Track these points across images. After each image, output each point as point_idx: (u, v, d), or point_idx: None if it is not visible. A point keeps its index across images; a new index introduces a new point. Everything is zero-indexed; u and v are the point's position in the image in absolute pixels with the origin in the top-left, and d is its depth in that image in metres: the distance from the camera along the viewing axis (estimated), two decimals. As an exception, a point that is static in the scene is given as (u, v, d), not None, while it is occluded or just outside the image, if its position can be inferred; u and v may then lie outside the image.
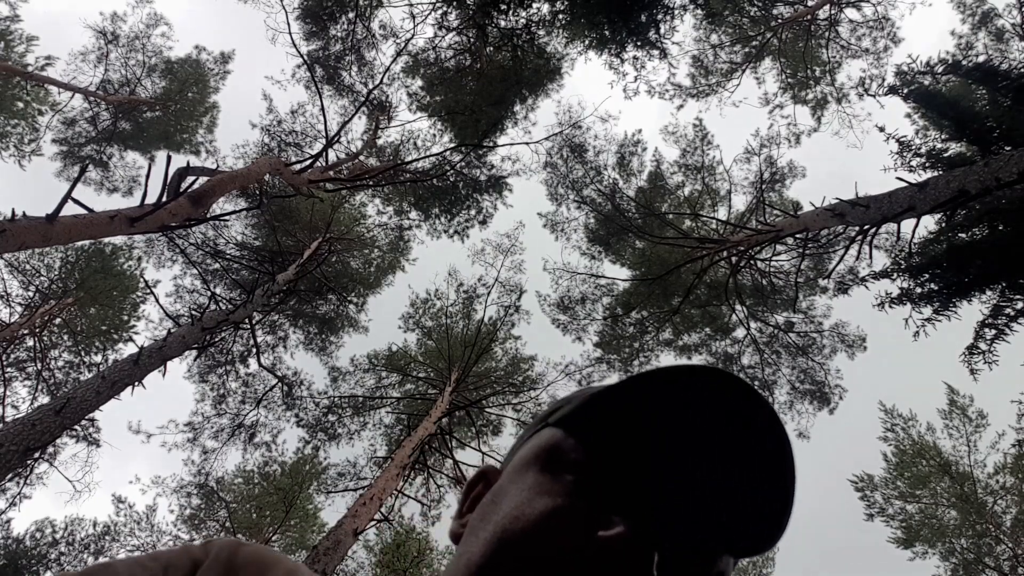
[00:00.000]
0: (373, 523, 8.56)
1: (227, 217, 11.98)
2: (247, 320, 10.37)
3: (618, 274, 15.83)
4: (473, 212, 12.59)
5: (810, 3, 12.51)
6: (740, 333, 12.31)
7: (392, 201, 13.37)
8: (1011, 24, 10.94)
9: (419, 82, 11.83)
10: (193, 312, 10.18)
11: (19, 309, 11.81)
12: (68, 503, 12.59)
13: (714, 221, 11.91)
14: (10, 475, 8.10)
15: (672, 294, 11.95)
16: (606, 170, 12.39)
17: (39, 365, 11.74)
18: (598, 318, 12.97)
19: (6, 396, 11.06)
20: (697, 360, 12.37)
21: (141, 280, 12.99)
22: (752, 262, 10.90)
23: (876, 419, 12.95)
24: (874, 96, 9.83)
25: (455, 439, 11.87)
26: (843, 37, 12.42)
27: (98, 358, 12.65)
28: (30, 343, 11.90)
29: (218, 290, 12.17)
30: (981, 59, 6.32)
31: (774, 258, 11.55)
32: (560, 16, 9.99)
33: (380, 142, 12.73)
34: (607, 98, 28.40)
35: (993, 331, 6.25)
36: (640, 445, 0.45)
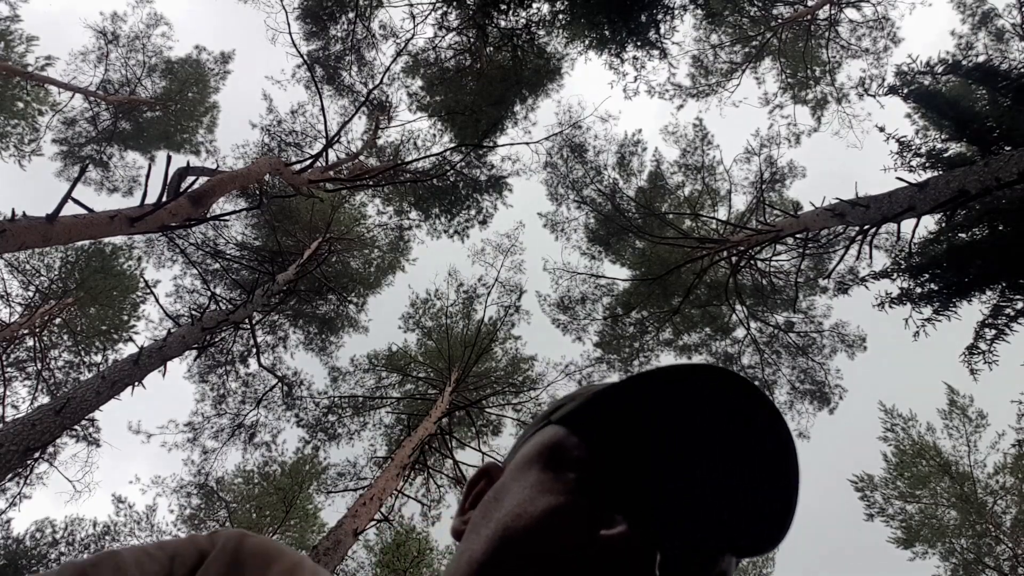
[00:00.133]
0: (373, 523, 8.57)
1: (227, 217, 11.98)
2: (247, 320, 10.36)
3: (618, 274, 15.84)
4: (473, 212, 12.60)
5: (810, 3, 12.51)
6: (740, 333, 12.32)
7: (392, 201, 13.37)
8: (1011, 24, 10.94)
9: (419, 82, 11.84)
10: (193, 312, 10.18)
11: (19, 309, 11.82)
12: (68, 503, 12.59)
13: (714, 221, 11.91)
14: (10, 475, 8.10)
15: (672, 294, 11.95)
16: (606, 170, 12.40)
17: (39, 365, 11.74)
18: (598, 318, 12.98)
19: (6, 396, 11.06)
20: (697, 360, 12.37)
21: (141, 280, 12.99)
22: (752, 262, 10.90)
23: (876, 419, 12.96)
24: (874, 96, 9.84)
25: (455, 439, 11.87)
26: (843, 37, 12.43)
27: (98, 358, 12.65)
28: (30, 343, 11.90)
29: (218, 290, 12.18)
30: (981, 59, 6.32)
31: (774, 258, 11.55)
32: (560, 16, 9.99)
33: (380, 142, 12.73)
34: (607, 98, 28.41)
35: (993, 331, 6.25)
36: (643, 443, 0.45)
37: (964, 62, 6.29)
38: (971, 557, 11.42)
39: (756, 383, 0.44)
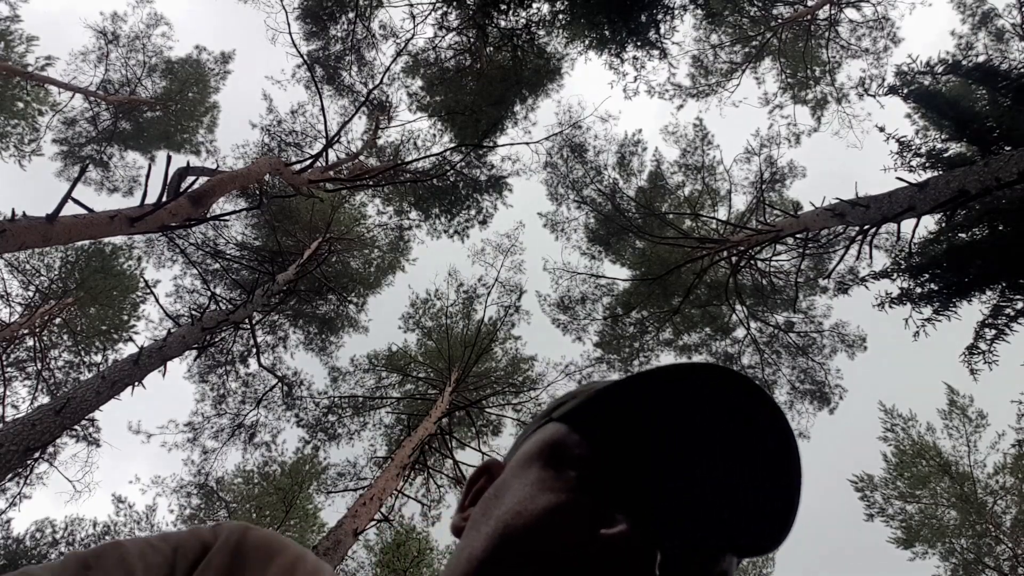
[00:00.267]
0: (373, 523, 8.57)
1: (227, 217, 11.98)
2: (247, 320, 10.37)
3: (618, 274, 15.84)
4: (473, 212, 12.60)
5: (810, 3, 12.51)
6: (740, 333, 12.32)
7: (392, 201, 13.37)
8: (1011, 24, 10.94)
9: (419, 82, 11.84)
10: (193, 312, 10.18)
11: (19, 309, 11.82)
12: (68, 503, 12.59)
13: (714, 221, 11.91)
14: (10, 475, 8.11)
15: (672, 294, 11.95)
16: (606, 170, 12.40)
17: (39, 365, 11.74)
18: (598, 318, 12.98)
19: (6, 396, 11.06)
20: (697, 360, 12.35)
21: (141, 280, 12.99)
22: (752, 262, 10.90)
23: (876, 419, 12.95)
24: (874, 96, 9.84)
25: (455, 439, 11.87)
26: (843, 37, 12.43)
27: (98, 358, 12.65)
28: (30, 343, 11.90)
29: (218, 290, 12.18)
30: (981, 59, 6.32)
31: (774, 258, 11.55)
32: (560, 16, 9.99)
33: (380, 142, 12.73)
34: (607, 98, 28.40)
35: (993, 331, 6.25)
36: (644, 442, 0.45)
37: (964, 62, 6.29)
38: (971, 557, 11.42)
39: (757, 382, 0.44)
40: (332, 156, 11.60)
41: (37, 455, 7.82)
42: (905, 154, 6.92)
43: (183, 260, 12.16)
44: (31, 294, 11.97)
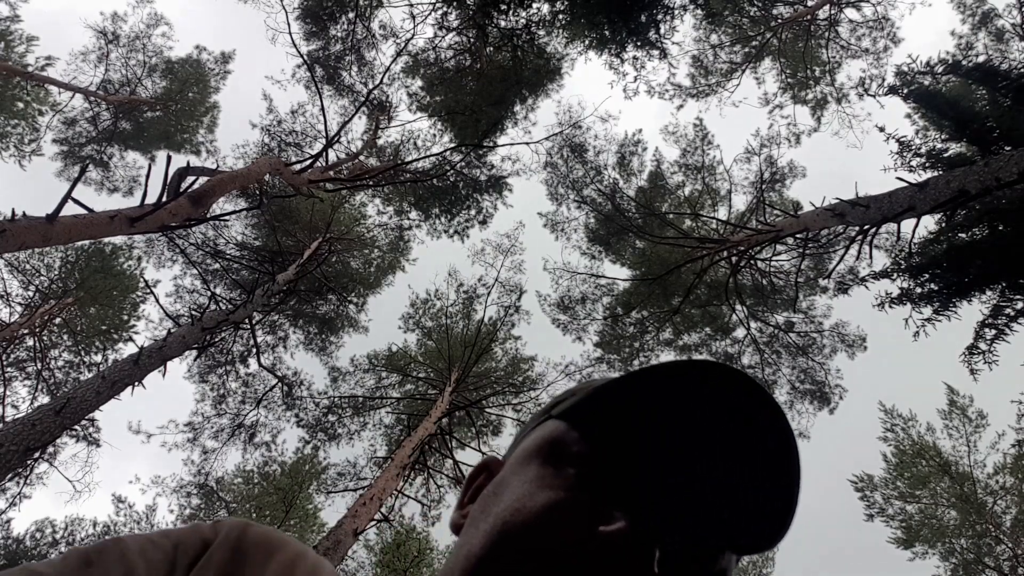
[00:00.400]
0: (373, 523, 8.57)
1: (227, 217, 11.98)
2: (247, 320, 10.37)
3: (618, 274, 15.84)
4: (473, 212, 12.60)
5: (810, 3, 12.51)
6: (740, 333, 12.32)
7: (392, 201, 13.37)
8: (1011, 24, 10.94)
9: (419, 82, 11.84)
10: (193, 312, 10.18)
11: (19, 309, 11.82)
12: (68, 503, 12.59)
13: (714, 221, 11.91)
14: (10, 475, 8.11)
15: (672, 294, 11.95)
16: (606, 170, 12.40)
17: (39, 365, 11.74)
18: (598, 318, 12.98)
19: (6, 396, 11.06)
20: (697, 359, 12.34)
21: (141, 280, 12.99)
22: (752, 262, 10.90)
23: (876, 419, 12.95)
24: (874, 96, 9.84)
25: (455, 439, 11.87)
26: (843, 37, 12.43)
27: (98, 358, 12.65)
28: (30, 343, 11.90)
29: (218, 290, 12.18)
30: (981, 59, 6.32)
31: (774, 258, 11.55)
32: (560, 16, 9.99)
33: (380, 142, 12.74)
34: (607, 98, 28.40)
35: (993, 331, 6.25)
36: (644, 439, 0.44)
37: (964, 62, 6.29)
38: (971, 557, 11.42)
39: (757, 380, 0.44)
40: (332, 156, 11.60)
41: (37, 455, 7.82)
42: (905, 154, 6.92)
43: (183, 260, 12.17)
44: (31, 294, 11.97)
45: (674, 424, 0.44)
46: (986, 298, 6.21)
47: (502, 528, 0.43)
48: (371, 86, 11.38)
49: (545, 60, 11.08)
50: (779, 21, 12.67)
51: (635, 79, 10.82)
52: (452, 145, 11.85)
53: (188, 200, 6.16)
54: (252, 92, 13.56)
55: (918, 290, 6.52)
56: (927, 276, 6.44)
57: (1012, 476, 11.43)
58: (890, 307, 6.75)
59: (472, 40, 10.58)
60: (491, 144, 11.74)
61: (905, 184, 6.17)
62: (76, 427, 10.17)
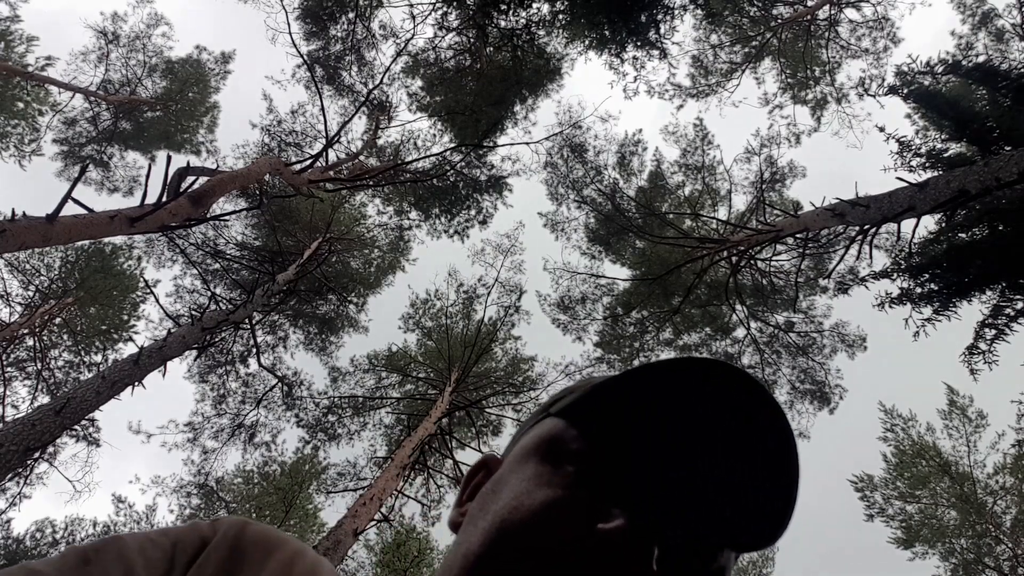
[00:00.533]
0: (373, 523, 8.57)
1: (227, 217, 11.98)
2: (247, 320, 10.37)
3: (618, 274, 15.85)
4: (473, 212, 12.60)
5: (810, 3, 12.51)
6: (740, 333, 12.32)
7: (392, 201, 13.37)
8: (1011, 24, 10.94)
9: (419, 82, 11.84)
10: (193, 312, 10.18)
11: (19, 309, 11.82)
12: (68, 503, 12.58)
13: (714, 221, 11.91)
14: (10, 475, 8.10)
15: (672, 294, 11.95)
16: (606, 170, 12.40)
17: (39, 365, 11.74)
18: (598, 318, 12.97)
19: (6, 396, 11.06)
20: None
21: (141, 280, 12.99)
22: (752, 262, 10.90)
23: (876, 419, 12.95)
24: (874, 96, 9.84)
25: (455, 439, 11.87)
26: (843, 37, 12.43)
27: (98, 358, 12.65)
28: (30, 343, 11.90)
29: (218, 290, 12.18)
30: (981, 59, 6.32)
31: (774, 258, 11.55)
32: (560, 16, 9.99)
33: (380, 142, 12.74)
34: (607, 98, 28.41)
35: (993, 331, 6.25)
36: (642, 437, 0.44)
37: (964, 62, 6.29)
38: (971, 557, 11.42)
39: (756, 379, 0.44)
40: (332, 156, 11.60)
41: (37, 455, 7.82)
42: (905, 154, 6.92)
43: (183, 260, 12.17)
44: (31, 294, 11.97)
45: (674, 421, 0.44)
46: (986, 298, 6.21)
47: (500, 526, 0.43)
48: (371, 86, 11.38)
49: (545, 60, 11.08)
50: (779, 21, 12.67)
51: (635, 79, 10.83)
52: (452, 145, 11.86)
53: (188, 200, 6.16)
54: (252, 92, 13.56)
55: (918, 290, 6.52)
56: (927, 276, 6.44)
57: (1012, 476, 11.43)
58: (890, 307, 6.75)
59: (472, 40, 10.58)
60: (491, 144, 11.74)
61: (905, 184, 6.17)
62: (76, 427, 10.17)
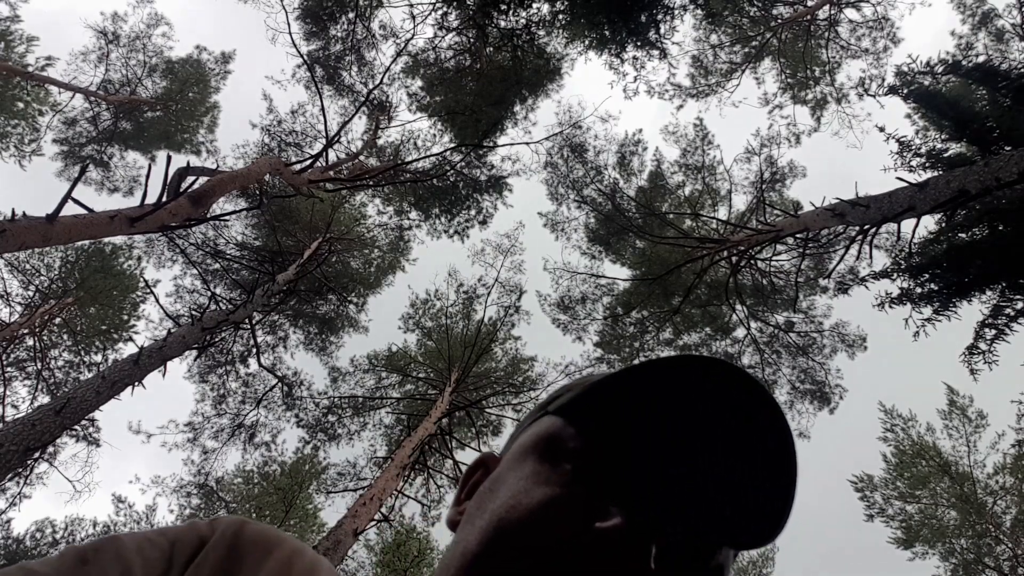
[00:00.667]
0: (373, 523, 8.57)
1: (227, 217, 11.98)
2: (247, 320, 10.37)
3: (618, 274, 15.85)
4: (473, 212, 12.60)
5: (810, 3, 12.51)
6: (740, 333, 12.32)
7: (392, 201, 13.37)
8: (1011, 24, 10.95)
9: (419, 82, 11.84)
10: (193, 312, 10.18)
11: (19, 309, 11.82)
12: (68, 503, 12.59)
13: (714, 221, 11.91)
14: (10, 475, 8.10)
15: (672, 294, 11.94)
16: (606, 170, 12.40)
17: (39, 365, 11.74)
18: (598, 318, 12.97)
19: (6, 396, 11.06)
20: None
21: (141, 280, 13.00)
22: (752, 262, 10.90)
23: (876, 419, 12.96)
24: (874, 96, 9.84)
25: (455, 439, 11.86)
26: (843, 37, 12.43)
27: (98, 358, 12.65)
28: (30, 343, 11.90)
29: (218, 290, 12.18)
30: (981, 59, 6.32)
31: (774, 258, 11.55)
32: (560, 16, 9.99)
33: (380, 142, 12.74)
34: (607, 98, 28.39)
35: (993, 331, 6.25)
36: (641, 435, 0.44)
37: (964, 62, 6.28)
38: (971, 557, 11.42)
39: (756, 377, 0.44)
40: (332, 156, 11.60)
41: (37, 455, 7.82)
42: (905, 154, 6.92)
43: (183, 260, 12.17)
44: (31, 294, 11.98)
45: (672, 419, 0.44)
46: (986, 298, 6.20)
47: (498, 525, 0.42)
48: (371, 86, 11.38)
49: (545, 60, 11.08)
50: (779, 21, 12.67)
51: (635, 79, 10.83)
52: (452, 145, 11.86)
53: (188, 200, 6.16)
54: (252, 92, 13.57)
55: (918, 290, 6.52)
56: (927, 276, 6.44)
57: (1012, 476, 11.43)
58: (890, 307, 6.75)
59: (472, 40, 10.59)
60: (491, 144, 11.74)
61: (905, 184, 6.17)
62: (76, 427, 10.17)
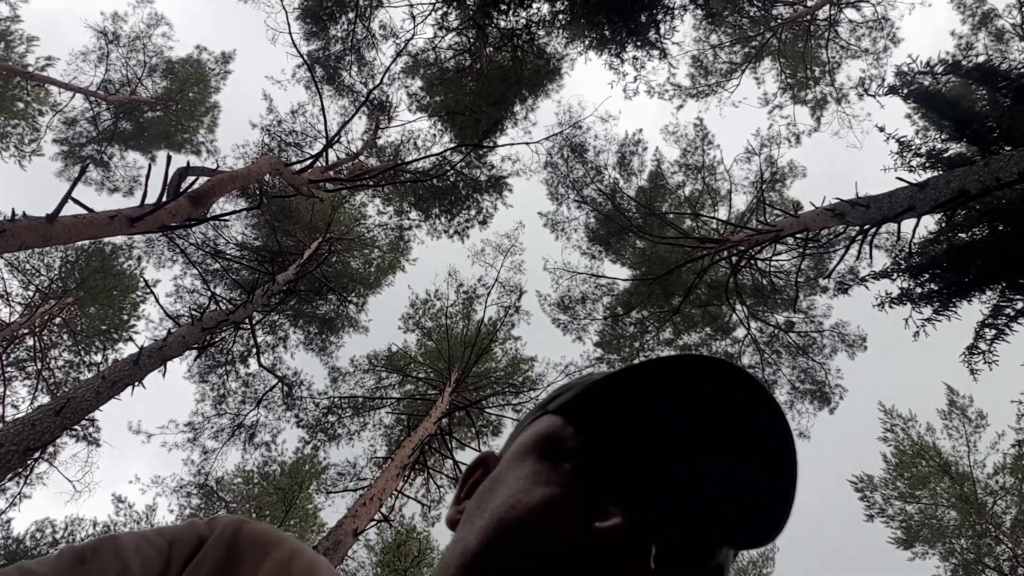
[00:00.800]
0: (373, 523, 8.57)
1: (227, 217, 11.98)
2: (247, 320, 10.36)
3: (618, 274, 15.85)
4: (473, 212, 12.60)
5: (810, 3, 12.51)
6: (740, 333, 12.32)
7: (392, 201, 13.37)
8: (1011, 24, 10.94)
9: (419, 82, 11.84)
10: (193, 312, 10.18)
11: (19, 309, 11.82)
12: (68, 503, 12.59)
13: (714, 221, 11.91)
14: (10, 475, 8.10)
15: (672, 294, 11.94)
16: (606, 170, 12.40)
17: (39, 365, 11.74)
18: (598, 318, 12.97)
19: (6, 396, 11.06)
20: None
21: (141, 280, 13.00)
22: (752, 262, 10.90)
23: (876, 419, 12.95)
24: (874, 96, 9.85)
25: (455, 439, 11.86)
26: (843, 37, 12.43)
27: (98, 358, 12.65)
28: (30, 343, 11.90)
29: (218, 290, 12.18)
30: (981, 59, 6.32)
31: (774, 258, 11.55)
32: (560, 16, 9.99)
33: (380, 142, 12.74)
34: (607, 98, 28.38)
35: (993, 331, 6.25)
36: (641, 434, 0.44)
37: (964, 62, 6.28)
38: (971, 557, 11.42)
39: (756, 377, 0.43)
40: (332, 156, 11.60)
41: (37, 455, 7.82)
42: (905, 154, 6.92)
43: (183, 260, 12.17)
44: (31, 294, 11.98)
45: (672, 418, 0.44)
46: (986, 298, 6.20)
47: (498, 524, 0.42)
48: (371, 86, 11.38)
49: (545, 60, 11.08)
50: (779, 21, 12.67)
51: (635, 79, 10.83)
52: (452, 145, 11.85)
53: (188, 200, 6.16)
54: (252, 92, 13.57)
55: (918, 290, 6.52)
56: (927, 276, 6.44)
57: (1012, 476, 11.43)
58: (890, 307, 6.75)
59: (472, 40, 10.58)
60: (491, 144, 11.74)
61: (905, 184, 6.17)
62: (76, 427, 10.17)
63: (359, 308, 14.28)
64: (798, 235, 8.73)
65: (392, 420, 13.21)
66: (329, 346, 13.86)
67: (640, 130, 12.22)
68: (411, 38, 10.72)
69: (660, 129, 12.92)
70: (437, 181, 11.97)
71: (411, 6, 10.32)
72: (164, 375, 7.67)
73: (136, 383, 6.99)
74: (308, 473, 13.14)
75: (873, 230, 6.93)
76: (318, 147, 11.74)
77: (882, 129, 6.93)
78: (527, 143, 11.97)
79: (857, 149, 12.65)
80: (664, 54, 9.60)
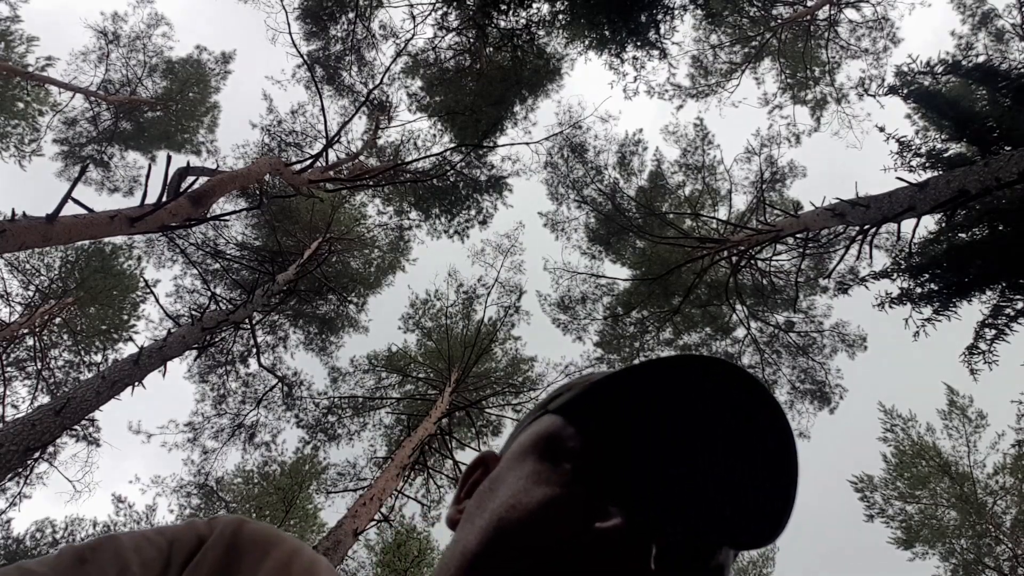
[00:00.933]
0: (373, 523, 8.57)
1: (227, 217, 11.98)
2: (247, 320, 10.36)
3: (618, 274, 15.86)
4: (473, 212, 12.60)
5: (810, 3, 12.51)
6: (740, 333, 12.32)
7: (392, 201, 13.37)
8: (1011, 24, 10.94)
9: (419, 82, 11.84)
10: (193, 312, 10.18)
11: (19, 309, 11.82)
12: (68, 503, 12.60)
13: (714, 221, 11.91)
14: (10, 475, 8.10)
15: (672, 294, 11.94)
16: (606, 170, 12.40)
17: (39, 365, 11.74)
18: (598, 318, 12.97)
19: (6, 396, 11.06)
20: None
21: (141, 280, 13.00)
22: (752, 262, 10.90)
23: (876, 419, 12.95)
24: (874, 96, 9.85)
25: (455, 439, 11.86)
26: (843, 37, 12.43)
27: (98, 358, 12.65)
28: (30, 343, 11.90)
29: (218, 290, 12.18)
30: (981, 59, 6.32)
31: (774, 258, 11.55)
32: (560, 16, 9.99)
33: (380, 142, 12.74)
34: (607, 98, 28.36)
35: (993, 331, 6.25)
36: (641, 434, 0.44)
37: (964, 62, 6.28)
38: (971, 557, 11.42)
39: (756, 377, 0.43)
40: (332, 156, 11.60)
41: (37, 455, 7.82)
42: (905, 154, 6.92)
43: (183, 260, 12.17)
44: (31, 294, 11.98)
45: (673, 418, 0.43)
46: (986, 298, 6.20)
47: (498, 524, 0.42)
48: (371, 86, 11.38)
49: (545, 60, 11.08)
50: (779, 21, 12.67)
51: (635, 79, 10.83)
52: (452, 145, 11.85)
53: (188, 200, 6.16)
54: (252, 92, 13.56)
55: (918, 290, 6.52)
56: (927, 276, 6.44)
57: (1012, 476, 11.43)
58: (890, 307, 6.75)
59: (472, 40, 10.58)
60: (491, 144, 11.74)
61: (905, 184, 6.17)
62: (76, 427, 10.16)
63: (359, 308, 14.29)
64: (798, 235, 8.73)
65: (392, 420, 13.21)
66: (329, 346, 13.86)
67: (640, 130, 12.24)
68: (411, 38, 10.73)
69: (660, 129, 12.93)
70: (437, 181, 11.97)
71: (411, 6, 10.32)
72: (164, 375, 7.68)
73: (136, 383, 6.99)
74: (308, 473, 13.14)
75: (873, 230, 6.93)
76: (318, 147, 11.74)
77: (882, 129, 6.93)
78: (527, 143, 11.98)
79: (857, 149, 12.67)
80: (664, 54, 9.60)
